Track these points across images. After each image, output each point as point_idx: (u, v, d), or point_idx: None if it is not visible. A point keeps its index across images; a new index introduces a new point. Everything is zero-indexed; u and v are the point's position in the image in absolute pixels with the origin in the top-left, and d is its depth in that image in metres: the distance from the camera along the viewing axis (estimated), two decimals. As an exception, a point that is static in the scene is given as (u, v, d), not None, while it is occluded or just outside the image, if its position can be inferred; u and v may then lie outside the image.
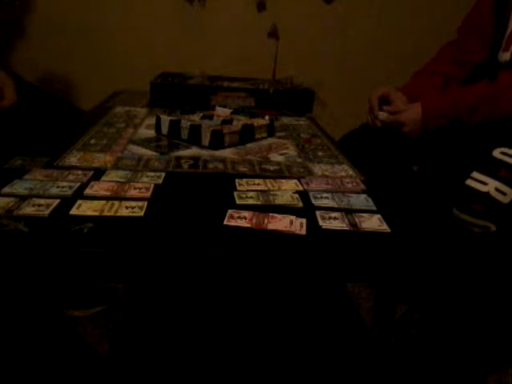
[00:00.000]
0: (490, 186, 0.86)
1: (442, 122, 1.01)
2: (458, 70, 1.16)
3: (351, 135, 1.23)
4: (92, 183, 0.68)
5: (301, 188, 0.72)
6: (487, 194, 0.86)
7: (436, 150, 1.12)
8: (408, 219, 0.65)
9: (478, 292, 0.92)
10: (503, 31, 1.06)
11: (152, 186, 0.68)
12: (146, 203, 0.62)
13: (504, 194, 0.86)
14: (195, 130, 0.91)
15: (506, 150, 0.88)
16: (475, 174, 0.88)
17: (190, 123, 0.92)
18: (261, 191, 0.69)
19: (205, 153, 0.88)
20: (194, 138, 0.91)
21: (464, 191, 0.88)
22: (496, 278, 0.91)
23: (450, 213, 0.89)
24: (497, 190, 0.86)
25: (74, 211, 0.59)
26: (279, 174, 0.78)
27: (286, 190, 0.70)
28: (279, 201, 0.66)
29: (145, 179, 0.71)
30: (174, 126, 0.94)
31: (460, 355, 0.98)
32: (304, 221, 0.59)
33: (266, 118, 1.04)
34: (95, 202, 0.61)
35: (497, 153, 0.89)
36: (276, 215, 0.60)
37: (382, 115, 1.09)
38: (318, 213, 0.62)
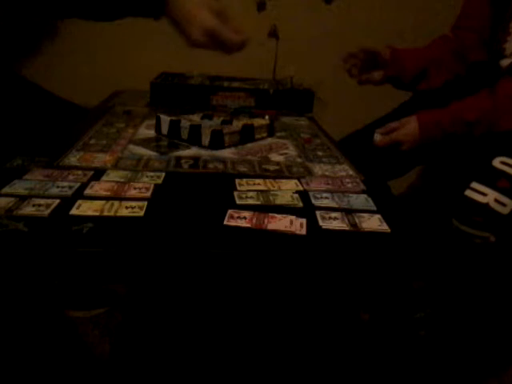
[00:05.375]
0: (489, 196, 0.85)
1: (438, 136, 0.99)
2: (454, 62, 1.14)
3: (348, 139, 1.23)
4: (92, 183, 0.68)
5: (301, 188, 0.72)
6: (487, 205, 0.85)
7: (436, 159, 1.11)
8: (408, 219, 0.65)
9: (479, 295, 0.92)
10: (503, 35, 1.05)
11: (152, 185, 0.68)
12: (145, 203, 0.62)
13: (504, 205, 0.85)
14: (195, 129, 0.91)
15: (505, 159, 0.87)
16: (474, 185, 0.87)
17: (189, 123, 0.92)
18: (261, 191, 0.69)
19: (205, 153, 0.88)
20: (194, 138, 0.91)
21: (463, 202, 0.87)
22: (496, 284, 0.90)
23: (449, 223, 0.89)
24: (496, 201, 0.85)
25: (74, 211, 0.59)
26: (279, 173, 0.78)
27: (286, 190, 0.70)
28: (279, 201, 0.66)
29: (145, 179, 0.71)
30: (174, 125, 0.94)
31: (461, 357, 0.98)
32: (304, 221, 0.59)
33: (266, 117, 1.03)
34: (95, 202, 0.61)
35: (496, 162, 0.87)
36: (276, 215, 0.60)
37: (378, 137, 1.06)
38: (317, 213, 0.62)
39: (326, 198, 0.68)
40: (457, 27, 1.17)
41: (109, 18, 0.90)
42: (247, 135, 0.96)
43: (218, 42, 0.87)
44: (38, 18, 1.52)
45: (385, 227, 0.60)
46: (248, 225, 0.58)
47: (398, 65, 1.16)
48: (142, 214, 0.59)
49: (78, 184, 0.67)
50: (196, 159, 0.83)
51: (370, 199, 0.68)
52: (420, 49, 1.19)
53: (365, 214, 0.63)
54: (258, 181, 0.73)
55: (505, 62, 1.03)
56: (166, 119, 0.96)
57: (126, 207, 0.60)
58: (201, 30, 0.85)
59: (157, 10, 0.86)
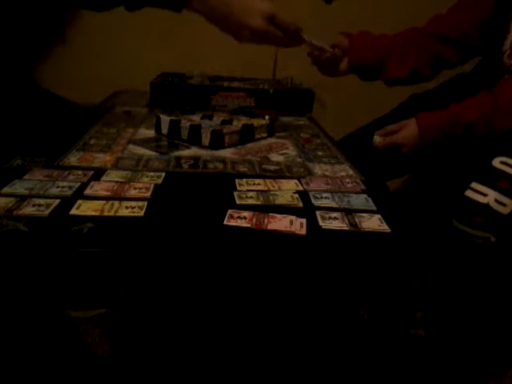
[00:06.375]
0: (489, 197, 0.85)
1: (438, 138, 0.98)
2: (441, 47, 1.11)
3: (348, 139, 1.22)
4: (92, 183, 0.68)
5: (301, 188, 0.72)
6: (487, 205, 0.85)
7: (435, 159, 1.10)
8: (408, 219, 0.65)
9: (479, 295, 0.92)
10: (503, 32, 1.04)
11: (152, 185, 0.68)
12: (145, 203, 0.62)
13: (504, 205, 0.84)
14: (195, 130, 0.91)
15: (505, 159, 0.87)
16: (474, 185, 0.87)
17: (189, 123, 0.93)
18: (261, 191, 0.69)
19: (205, 153, 0.88)
20: (194, 138, 0.91)
21: (464, 203, 0.87)
22: (496, 284, 0.90)
23: (449, 224, 0.88)
24: (496, 201, 0.84)
25: (73, 211, 0.59)
26: (279, 173, 0.78)
27: (286, 190, 0.70)
28: (279, 201, 0.66)
29: (145, 179, 0.71)
30: (174, 125, 0.94)
31: (460, 358, 0.98)
32: (304, 221, 0.59)
33: (266, 118, 1.04)
34: (95, 202, 0.61)
35: (496, 162, 0.87)
36: (276, 215, 0.60)
37: (377, 139, 1.05)
38: (318, 213, 0.62)
39: (326, 197, 0.68)
40: (452, 14, 1.14)
41: (130, 7, 0.89)
42: (247, 135, 0.96)
43: (278, 28, 0.88)
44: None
45: (385, 227, 0.60)
46: (248, 225, 0.58)
47: (357, 54, 1.14)
48: (141, 213, 0.59)
49: (78, 184, 0.68)
50: (196, 159, 0.83)
51: (369, 199, 0.68)
52: (378, 36, 1.17)
53: (365, 214, 0.63)
54: (257, 181, 0.73)
55: (506, 60, 1.03)
56: (165, 119, 0.96)
57: (126, 207, 0.60)
58: (262, 17, 0.84)
59: (179, 1, 0.85)
